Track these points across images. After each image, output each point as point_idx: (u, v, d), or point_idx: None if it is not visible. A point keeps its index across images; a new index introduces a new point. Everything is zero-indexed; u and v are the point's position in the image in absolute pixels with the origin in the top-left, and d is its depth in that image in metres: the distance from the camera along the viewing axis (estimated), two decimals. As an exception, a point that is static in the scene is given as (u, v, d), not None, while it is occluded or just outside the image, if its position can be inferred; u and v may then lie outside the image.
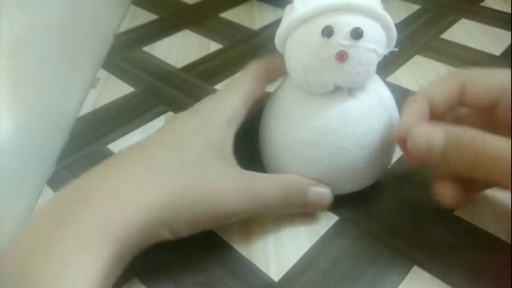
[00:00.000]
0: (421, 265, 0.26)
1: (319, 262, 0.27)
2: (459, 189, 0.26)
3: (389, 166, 0.31)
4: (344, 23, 0.24)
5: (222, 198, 0.25)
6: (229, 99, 0.28)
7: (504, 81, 0.25)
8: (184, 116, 0.28)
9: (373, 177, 0.30)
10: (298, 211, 0.29)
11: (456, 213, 0.29)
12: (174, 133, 0.27)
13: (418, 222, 0.29)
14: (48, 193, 0.33)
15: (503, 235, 0.28)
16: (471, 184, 0.26)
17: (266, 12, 0.57)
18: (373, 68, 0.26)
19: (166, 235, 0.24)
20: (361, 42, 0.24)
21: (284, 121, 0.28)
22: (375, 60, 0.25)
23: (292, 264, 0.27)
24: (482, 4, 0.56)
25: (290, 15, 0.25)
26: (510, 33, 0.49)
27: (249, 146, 0.30)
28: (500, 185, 0.25)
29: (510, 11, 0.54)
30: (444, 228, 0.28)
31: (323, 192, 0.28)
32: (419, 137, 0.24)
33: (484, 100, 0.25)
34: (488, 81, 0.25)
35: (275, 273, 0.27)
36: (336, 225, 0.29)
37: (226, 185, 0.25)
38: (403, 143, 0.25)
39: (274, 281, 0.26)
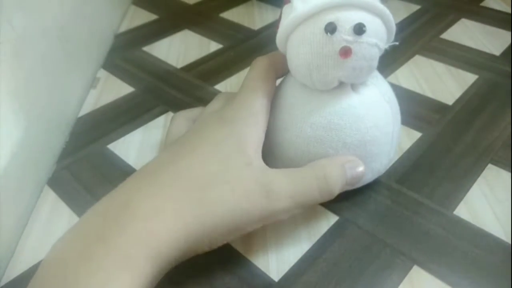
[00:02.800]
0: (421, 265, 0.26)
1: (319, 262, 0.27)
2: None
3: (391, 162, 0.31)
4: (346, 19, 0.24)
5: (257, 203, 0.24)
6: (250, 102, 0.27)
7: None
8: (213, 125, 0.27)
9: (377, 172, 0.30)
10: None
11: (455, 212, 0.29)
12: (206, 144, 0.26)
13: (418, 222, 0.29)
14: (48, 193, 0.33)
15: (503, 235, 0.28)
16: None
17: (266, 12, 0.57)
18: (376, 62, 0.26)
19: (204, 247, 0.24)
20: (364, 37, 0.24)
21: (288, 118, 0.28)
22: (377, 54, 0.26)
23: (292, 264, 0.27)
24: (482, 4, 0.56)
25: (290, 14, 0.25)
26: (510, 33, 0.49)
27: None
28: None
29: (510, 11, 0.54)
30: (444, 228, 0.28)
31: (360, 171, 0.27)
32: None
33: None
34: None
35: (275, 273, 0.27)
36: (336, 225, 0.29)
37: (258, 187, 0.24)
38: None
39: (274, 281, 0.26)
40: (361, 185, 0.30)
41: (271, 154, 0.30)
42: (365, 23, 0.24)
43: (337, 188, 0.26)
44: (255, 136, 0.26)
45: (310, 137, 0.27)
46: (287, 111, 0.28)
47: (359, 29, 0.24)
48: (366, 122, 0.27)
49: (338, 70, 0.25)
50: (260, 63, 0.29)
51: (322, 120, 0.27)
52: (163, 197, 0.23)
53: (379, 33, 0.25)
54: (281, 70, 0.29)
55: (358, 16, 0.24)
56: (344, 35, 0.24)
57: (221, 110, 0.28)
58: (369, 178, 0.30)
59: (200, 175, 0.24)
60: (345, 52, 0.24)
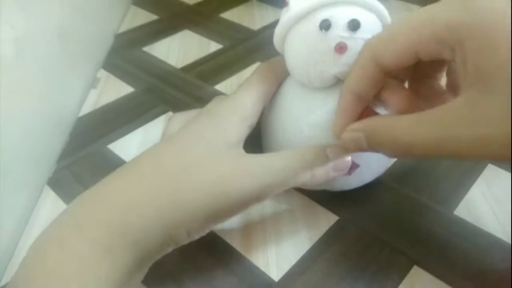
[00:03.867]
0: (421, 265, 0.26)
1: (319, 262, 0.27)
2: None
3: (391, 161, 0.31)
4: (341, 15, 0.24)
5: (234, 184, 0.24)
6: (241, 99, 0.27)
7: (410, 39, 0.22)
8: (199, 118, 0.27)
9: (377, 172, 0.30)
10: (320, 179, 0.26)
11: (456, 212, 0.29)
12: (189, 135, 0.26)
13: (418, 222, 0.29)
14: (49, 193, 0.33)
15: (503, 235, 0.28)
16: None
17: (266, 12, 0.57)
18: None
19: (183, 237, 0.24)
20: (359, 33, 0.24)
21: (286, 118, 0.28)
22: None
23: (292, 264, 0.27)
24: (482, 4, 0.56)
25: (286, 15, 0.25)
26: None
27: (250, 145, 0.30)
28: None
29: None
30: (444, 228, 0.28)
31: (340, 149, 0.26)
32: (348, 142, 0.24)
33: (404, 63, 0.23)
34: (396, 46, 0.22)
35: (275, 273, 0.27)
36: (336, 225, 0.29)
37: (236, 170, 0.24)
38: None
39: (274, 281, 0.26)
40: (360, 184, 0.30)
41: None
42: (359, 19, 0.24)
43: (314, 163, 0.25)
44: (238, 128, 0.26)
45: (308, 136, 0.27)
46: (286, 110, 0.28)
47: (353, 25, 0.24)
48: None
49: (334, 67, 0.25)
50: (260, 68, 0.29)
51: (319, 119, 0.27)
52: (140, 186, 0.23)
53: (374, 29, 0.25)
54: (283, 73, 0.29)
55: (352, 13, 0.24)
56: (339, 32, 0.24)
57: (210, 105, 0.28)
58: (369, 178, 0.30)
59: (178, 162, 0.24)
60: (341, 48, 0.24)
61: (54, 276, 0.20)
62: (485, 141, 0.18)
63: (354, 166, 0.27)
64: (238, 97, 0.28)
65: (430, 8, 0.21)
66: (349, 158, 0.27)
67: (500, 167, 0.33)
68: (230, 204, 0.24)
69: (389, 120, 0.22)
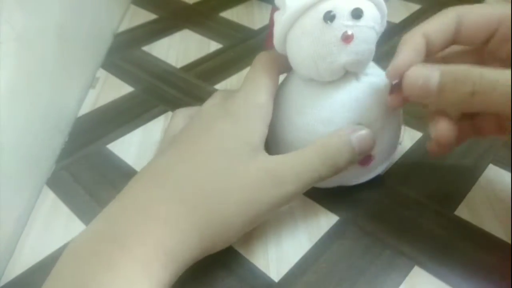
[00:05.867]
0: (422, 265, 0.26)
1: (319, 262, 0.27)
2: (454, 128, 0.25)
3: (391, 161, 0.31)
4: (343, 5, 0.25)
5: (266, 190, 0.24)
6: (255, 97, 0.27)
7: (499, 13, 0.24)
8: (217, 119, 0.27)
9: (387, 162, 0.30)
10: (349, 165, 0.26)
11: (456, 213, 0.29)
12: (212, 139, 0.26)
13: (418, 222, 0.29)
14: (48, 193, 0.33)
15: (503, 235, 0.28)
16: (464, 126, 0.27)
17: (266, 12, 0.57)
18: (374, 46, 0.26)
19: (220, 247, 0.24)
20: (363, 21, 0.25)
21: (297, 118, 0.28)
22: (375, 37, 0.26)
23: (292, 264, 0.27)
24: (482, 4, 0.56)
25: (284, 14, 0.25)
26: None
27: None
28: (498, 115, 0.25)
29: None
30: (445, 228, 0.28)
31: (364, 133, 0.26)
32: (415, 75, 0.23)
33: (481, 32, 0.25)
34: (485, 12, 0.25)
35: (275, 273, 0.27)
36: (336, 225, 0.29)
37: (266, 176, 0.24)
38: (399, 80, 0.25)
39: (274, 282, 0.26)
40: (374, 175, 0.30)
41: (278, 152, 0.30)
42: (362, 7, 0.25)
43: (341, 158, 0.25)
44: (259, 129, 0.26)
45: (323, 134, 0.27)
46: (296, 110, 0.28)
47: (357, 14, 0.25)
48: (375, 112, 0.27)
49: (342, 56, 0.25)
50: (263, 58, 0.29)
51: (332, 116, 0.27)
52: (175, 200, 0.23)
53: (375, 17, 0.26)
54: (284, 65, 0.29)
55: (353, 2, 0.25)
56: (344, 21, 0.25)
57: (224, 103, 0.28)
58: (381, 168, 0.30)
59: (208, 173, 0.24)
60: (347, 37, 0.25)
61: None
62: None
63: (369, 158, 0.28)
64: (251, 95, 0.27)
65: None
66: (366, 131, 0.26)
67: (501, 167, 0.32)
68: (263, 209, 0.24)
69: (479, 67, 0.22)
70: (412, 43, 0.25)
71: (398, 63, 0.25)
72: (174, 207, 0.23)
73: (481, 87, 0.21)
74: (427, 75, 0.23)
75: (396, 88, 0.26)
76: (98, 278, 0.20)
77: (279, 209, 0.25)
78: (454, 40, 0.26)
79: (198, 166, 0.25)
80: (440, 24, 0.25)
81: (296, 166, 0.25)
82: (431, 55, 0.26)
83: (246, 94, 0.27)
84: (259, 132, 0.26)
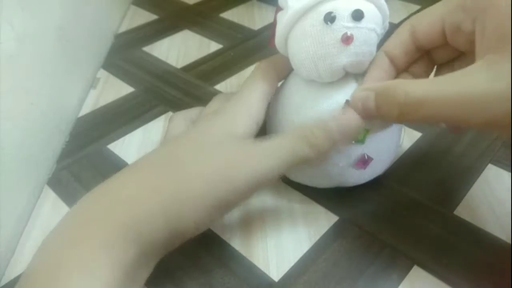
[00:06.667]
0: (421, 265, 0.26)
1: (319, 262, 0.27)
2: None
3: (392, 161, 0.31)
4: (344, 7, 0.25)
5: (239, 168, 0.24)
6: (246, 97, 0.27)
7: (441, 9, 0.25)
8: (206, 117, 0.28)
9: (386, 164, 0.30)
10: (325, 148, 0.25)
11: (456, 212, 0.29)
12: (196, 131, 0.26)
13: (418, 222, 0.29)
14: (48, 193, 0.33)
15: (503, 235, 0.28)
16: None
17: (266, 12, 0.57)
18: (375, 48, 0.26)
19: (190, 229, 0.23)
20: (363, 23, 0.25)
21: (297, 118, 0.28)
22: (376, 39, 0.26)
23: (292, 264, 0.27)
24: (482, 4, 0.56)
25: (285, 15, 0.25)
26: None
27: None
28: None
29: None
30: (444, 228, 0.28)
31: (346, 118, 0.25)
32: (356, 98, 0.25)
33: (434, 34, 0.25)
34: (430, 14, 0.26)
35: (275, 273, 0.27)
36: (336, 225, 0.29)
37: (240, 154, 0.24)
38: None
39: (274, 281, 0.26)
40: (373, 177, 0.30)
41: None
42: (362, 9, 0.25)
43: (318, 138, 0.25)
44: (245, 123, 0.26)
45: None
46: (295, 110, 0.28)
47: (357, 15, 0.25)
48: None
49: (342, 58, 0.25)
50: (263, 65, 0.29)
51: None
52: (143, 181, 0.24)
53: (376, 18, 0.26)
54: (283, 71, 0.29)
55: (353, 4, 0.25)
56: (344, 23, 0.25)
57: (218, 107, 0.28)
58: (380, 170, 0.30)
59: (180, 155, 0.24)
60: (347, 38, 0.25)
61: (56, 272, 0.20)
62: (501, 96, 0.19)
63: (368, 160, 0.28)
64: (244, 95, 0.27)
65: None
66: (356, 117, 0.25)
67: (500, 167, 0.33)
68: (236, 189, 0.24)
69: (403, 80, 0.23)
70: (376, 64, 0.26)
71: (367, 85, 0.26)
72: (138, 188, 0.23)
73: (406, 108, 0.22)
74: (365, 98, 0.24)
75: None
76: (60, 257, 0.20)
77: (254, 193, 0.25)
78: (417, 48, 0.26)
79: (173, 153, 0.25)
80: (396, 39, 0.27)
81: (273, 145, 0.25)
82: (403, 68, 0.27)
83: (238, 97, 0.28)
84: (245, 126, 0.26)
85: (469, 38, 0.23)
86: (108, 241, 0.21)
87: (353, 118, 0.25)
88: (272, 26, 0.28)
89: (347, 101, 0.26)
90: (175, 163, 0.24)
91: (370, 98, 0.24)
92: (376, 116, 0.24)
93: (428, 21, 0.26)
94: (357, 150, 0.28)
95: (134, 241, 0.21)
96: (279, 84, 0.30)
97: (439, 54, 0.27)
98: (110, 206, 0.22)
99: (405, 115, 0.22)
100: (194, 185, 0.23)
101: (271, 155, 0.24)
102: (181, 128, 0.29)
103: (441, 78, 0.21)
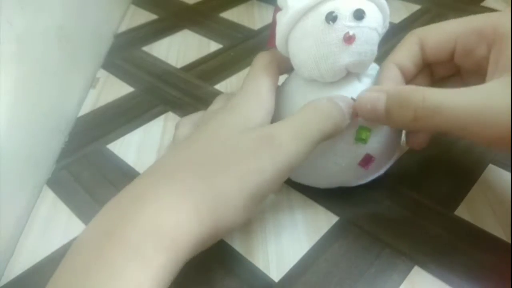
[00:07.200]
0: (422, 265, 0.26)
1: (319, 263, 0.27)
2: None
3: (397, 155, 0.31)
4: (345, 6, 0.25)
5: (266, 158, 0.23)
6: (254, 88, 0.27)
7: (455, 29, 0.26)
8: (216, 115, 0.27)
9: (387, 164, 0.30)
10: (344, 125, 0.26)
11: (456, 213, 0.29)
12: (211, 129, 0.26)
13: (418, 222, 0.29)
14: (48, 193, 0.33)
15: (503, 235, 0.28)
16: None
17: (266, 12, 0.57)
18: (376, 47, 0.26)
19: (225, 228, 0.23)
20: (364, 22, 0.25)
21: None
22: (377, 39, 0.26)
23: (292, 264, 0.27)
24: (482, 4, 0.56)
25: (286, 15, 0.25)
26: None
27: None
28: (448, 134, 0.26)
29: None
30: (445, 228, 0.28)
31: (349, 99, 0.26)
32: (365, 99, 0.25)
33: (443, 50, 0.26)
34: (441, 31, 0.26)
35: (275, 273, 0.27)
36: (336, 225, 0.29)
37: (262, 144, 0.24)
38: None
39: (274, 282, 0.26)
40: (375, 177, 0.30)
41: None
42: (363, 9, 0.25)
43: (336, 115, 0.25)
44: (258, 114, 0.26)
45: None
46: (296, 111, 0.28)
47: (359, 15, 0.25)
48: None
49: (344, 57, 0.25)
50: (262, 58, 0.29)
51: None
52: (167, 185, 0.23)
53: (377, 18, 0.26)
54: (283, 65, 0.29)
55: (355, 3, 0.25)
56: (346, 22, 0.25)
57: (226, 104, 0.28)
58: (382, 170, 0.30)
59: (204, 157, 0.24)
60: (349, 38, 0.25)
61: (86, 274, 0.19)
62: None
63: (371, 160, 0.28)
64: (250, 88, 0.27)
65: (478, 15, 0.26)
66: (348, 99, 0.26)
67: (500, 167, 0.32)
68: (265, 179, 0.23)
69: (420, 86, 0.23)
70: (387, 74, 0.27)
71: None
72: (167, 190, 0.22)
73: (423, 112, 0.22)
74: (375, 99, 0.24)
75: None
76: (87, 266, 0.20)
77: (284, 179, 0.24)
78: (424, 60, 0.27)
79: (195, 153, 0.24)
80: (405, 50, 0.27)
81: (292, 126, 0.24)
82: (411, 80, 0.28)
83: (246, 88, 0.27)
84: (258, 117, 0.25)
85: (477, 61, 0.24)
86: (136, 249, 0.20)
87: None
88: (270, 26, 0.28)
89: (351, 99, 0.26)
90: (198, 164, 0.23)
91: (381, 100, 0.24)
92: (383, 119, 0.24)
93: (439, 39, 0.26)
94: (360, 150, 0.28)
95: (166, 247, 0.21)
96: (280, 83, 0.30)
97: (438, 70, 0.28)
98: (140, 214, 0.21)
99: (419, 120, 0.22)
100: (223, 184, 0.23)
101: (293, 137, 0.24)
102: (188, 133, 0.29)
103: (457, 89, 0.22)
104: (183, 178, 0.23)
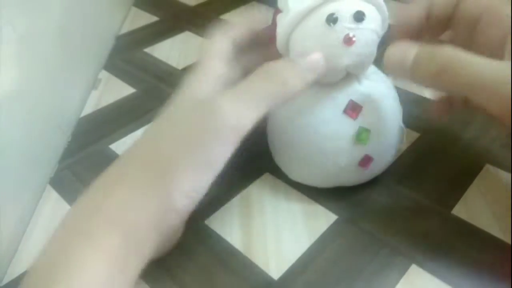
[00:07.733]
0: (419, 264, 0.27)
1: (318, 261, 0.27)
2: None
3: (392, 160, 0.32)
4: (346, 9, 0.25)
5: (212, 114, 0.24)
6: (204, 63, 0.27)
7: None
8: (176, 97, 0.27)
9: (385, 165, 0.31)
10: (297, 86, 0.25)
11: (453, 212, 0.30)
12: (168, 113, 0.27)
13: (417, 221, 0.29)
14: (50, 192, 0.33)
15: (499, 234, 0.28)
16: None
17: (266, 14, 0.57)
18: (376, 49, 0.27)
19: (181, 203, 0.23)
20: (364, 24, 0.25)
21: (296, 115, 0.28)
22: (377, 41, 0.27)
23: (291, 263, 0.27)
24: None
25: (287, 16, 0.26)
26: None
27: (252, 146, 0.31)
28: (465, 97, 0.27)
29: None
30: (443, 227, 0.29)
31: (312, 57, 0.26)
32: (395, 49, 0.25)
33: (474, 13, 0.26)
34: None
35: (275, 272, 0.27)
36: (335, 224, 0.29)
37: (211, 104, 0.24)
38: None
39: (274, 280, 0.26)
40: (372, 177, 0.30)
41: (282, 154, 0.31)
42: (363, 11, 0.25)
43: (288, 69, 0.25)
44: (204, 84, 0.26)
45: (325, 135, 0.28)
46: (296, 111, 0.28)
47: (359, 17, 0.25)
48: (379, 113, 0.28)
49: (344, 58, 0.26)
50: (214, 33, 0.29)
51: (332, 117, 0.28)
52: (122, 166, 0.25)
53: (376, 20, 0.26)
54: (238, 31, 0.29)
55: (355, 5, 0.25)
56: (346, 24, 0.25)
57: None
58: (379, 170, 0.30)
59: (150, 133, 0.27)
60: (349, 39, 0.25)
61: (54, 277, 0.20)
62: None
63: (369, 160, 0.28)
64: (198, 62, 0.28)
65: None
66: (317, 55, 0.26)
67: (498, 167, 0.33)
68: (215, 145, 0.23)
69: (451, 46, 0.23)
70: (398, 17, 0.28)
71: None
72: (124, 183, 0.24)
73: (450, 66, 0.22)
74: (407, 47, 0.24)
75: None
76: (54, 262, 0.21)
77: (234, 142, 0.24)
78: (454, 13, 0.28)
79: (152, 136, 0.27)
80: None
81: (236, 90, 0.24)
82: (432, 24, 0.29)
83: (197, 67, 0.28)
84: (202, 86, 0.26)
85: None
86: (93, 233, 0.21)
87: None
88: (269, 28, 0.28)
89: (350, 101, 0.27)
90: (157, 142, 0.25)
91: (410, 53, 0.24)
92: (407, 71, 0.24)
93: None
94: (359, 150, 0.28)
95: (117, 228, 0.21)
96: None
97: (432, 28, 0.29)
98: (104, 201, 0.23)
99: (443, 74, 0.22)
100: (170, 147, 0.24)
101: (234, 101, 0.24)
102: (227, 52, 0.28)
103: (486, 58, 0.22)
104: (138, 156, 0.25)
